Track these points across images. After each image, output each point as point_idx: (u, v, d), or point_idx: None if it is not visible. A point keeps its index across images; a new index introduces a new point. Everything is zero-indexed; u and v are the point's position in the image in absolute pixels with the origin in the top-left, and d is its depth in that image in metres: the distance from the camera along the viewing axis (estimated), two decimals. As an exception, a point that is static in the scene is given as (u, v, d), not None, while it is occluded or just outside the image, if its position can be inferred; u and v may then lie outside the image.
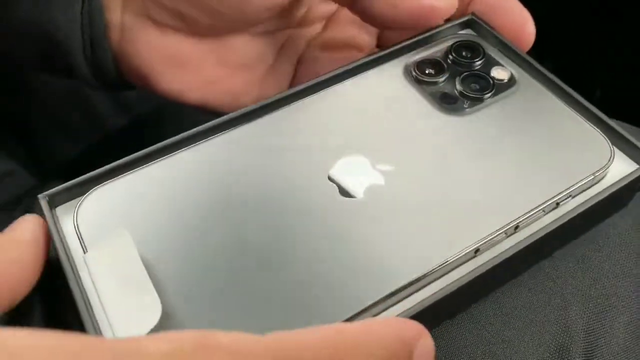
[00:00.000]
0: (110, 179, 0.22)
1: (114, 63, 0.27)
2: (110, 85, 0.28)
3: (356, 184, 0.22)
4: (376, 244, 0.21)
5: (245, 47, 0.27)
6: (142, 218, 0.21)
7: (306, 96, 0.25)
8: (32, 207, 0.26)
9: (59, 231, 0.20)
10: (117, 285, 0.19)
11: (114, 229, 0.20)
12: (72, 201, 0.22)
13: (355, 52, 0.29)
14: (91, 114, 0.40)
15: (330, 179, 0.22)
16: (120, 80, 0.28)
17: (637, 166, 0.23)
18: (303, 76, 0.29)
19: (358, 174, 0.23)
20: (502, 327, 0.24)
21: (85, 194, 0.22)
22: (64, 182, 0.30)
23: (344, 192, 0.22)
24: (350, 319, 0.19)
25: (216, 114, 0.29)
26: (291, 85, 0.29)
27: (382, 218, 0.21)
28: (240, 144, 0.24)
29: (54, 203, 0.22)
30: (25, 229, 0.20)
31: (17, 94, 0.38)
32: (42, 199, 0.21)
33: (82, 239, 0.21)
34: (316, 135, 0.24)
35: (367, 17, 0.25)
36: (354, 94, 0.25)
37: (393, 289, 0.20)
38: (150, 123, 0.42)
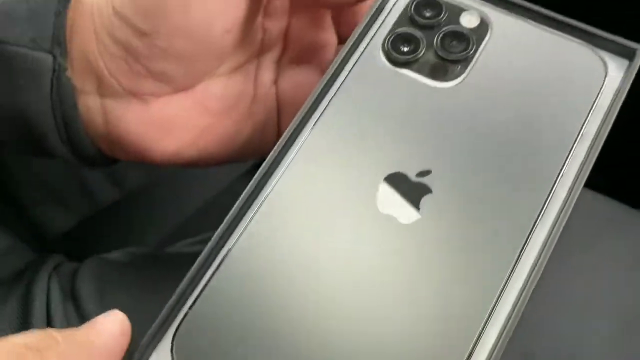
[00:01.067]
0: (181, 309, 0.21)
1: (92, 142, 0.27)
2: (92, 163, 0.29)
3: (409, 204, 0.22)
4: (454, 246, 0.21)
5: (223, 89, 0.28)
6: (237, 330, 0.20)
7: (304, 136, 0.23)
8: (33, 281, 0.28)
9: None
10: None
11: (229, 356, 0.19)
12: (160, 347, 0.20)
13: (324, 52, 0.29)
14: (86, 188, 0.41)
15: (382, 212, 0.22)
16: (103, 157, 0.28)
17: (628, 61, 0.23)
18: (287, 96, 0.29)
19: (404, 193, 0.22)
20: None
21: (165, 334, 0.21)
22: (62, 255, 0.32)
23: (403, 218, 0.21)
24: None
25: (215, 164, 0.30)
26: (279, 107, 0.29)
27: (455, 224, 0.21)
28: (278, 212, 0.22)
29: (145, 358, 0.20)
30: (107, 335, 0.20)
31: (15, 170, 0.39)
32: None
33: None
34: (343, 174, 0.22)
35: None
36: (348, 110, 0.24)
37: (518, 250, 0.20)
38: (142, 196, 0.44)
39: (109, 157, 0.29)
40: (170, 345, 0.20)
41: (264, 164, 0.23)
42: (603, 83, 0.23)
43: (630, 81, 0.23)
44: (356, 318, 0.20)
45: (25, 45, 0.25)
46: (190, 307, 0.21)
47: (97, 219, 0.42)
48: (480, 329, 0.20)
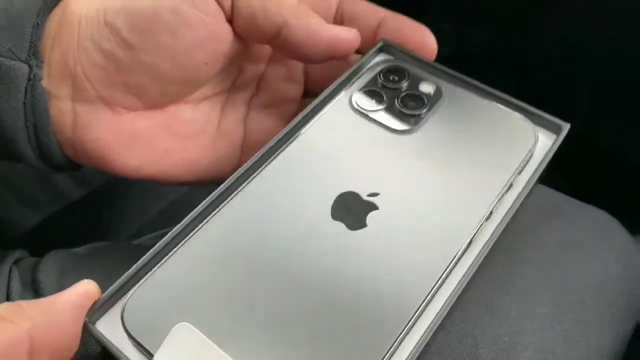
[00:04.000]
0: (136, 282, 0.23)
1: (60, 148, 0.28)
2: (57, 168, 0.30)
3: (358, 217, 0.25)
4: (398, 259, 0.24)
5: (192, 115, 0.30)
6: (183, 304, 0.22)
7: (277, 153, 0.27)
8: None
9: (113, 346, 0.21)
10: None
11: (174, 325, 0.21)
12: (111, 310, 0.23)
13: (290, 105, 0.32)
14: (52, 186, 0.42)
15: (334, 218, 0.25)
16: (69, 162, 0.29)
17: (555, 135, 0.28)
18: (254, 133, 0.31)
19: (355, 207, 0.25)
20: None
21: (117, 301, 0.23)
22: (26, 251, 0.32)
23: (351, 227, 0.25)
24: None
25: (173, 185, 0.31)
26: (243, 145, 0.31)
27: (392, 238, 0.25)
28: (242, 211, 0.25)
29: (93, 320, 0.22)
30: (71, 293, 0.21)
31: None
32: (88, 324, 0.22)
33: (141, 345, 0.21)
34: (304, 185, 0.26)
35: (288, 49, 0.28)
36: (317, 140, 0.28)
37: (434, 282, 0.23)
38: (107, 195, 0.45)
39: (73, 163, 0.30)
40: (121, 310, 0.22)
41: (239, 171, 0.26)
42: (533, 149, 0.27)
43: (555, 149, 0.28)
44: (295, 298, 0.23)
45: (2, 55, 0.26)
46: (143, 281, 0.23)
47: (62, 217, 0.43)
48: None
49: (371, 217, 0.25)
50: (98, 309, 0.22)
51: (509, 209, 0.26)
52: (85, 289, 0.22)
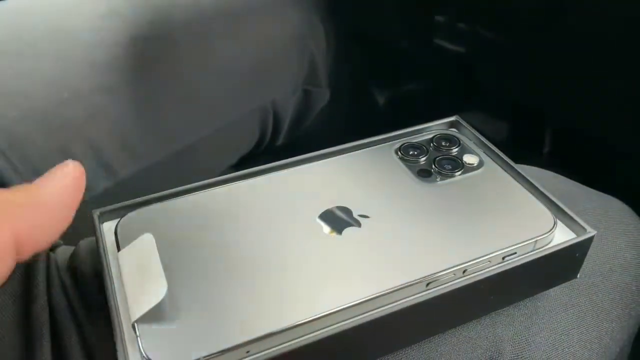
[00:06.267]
0: (144, 206, 0.29)
1: None
2: None
3: (339, 225, 0.28)
4: (345, 268, 0.26)
5: None
6: (165, 234, 0.27)
7: (314, 161, 0.32)
8: (34, 258, 0.30)
9: (103, 237, 0.28)
10: (138, 273, 0.25)
11: (142, 234, 0.27)
12: (115, 220, 0.29)
13: None
14: (105, 163, 0.44)
15: (319, 219, 0.28)
16: None
17: (575, 235, 0.28)
18: None
19: (342, 217, 0.28)
20: (439, 343, 0.28)
21: (125, 215, 0.29)
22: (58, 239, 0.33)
23: (330, 229, 0.28)
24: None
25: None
26: None
27: (353, 251, 0.27)
28: (253, 190, 0.30)
29: (102, 219, 0.29)
30: (66, 174, 0.22)
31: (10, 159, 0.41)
32: (94, 214, 0.28)
33: (119, 243, 0.27)
34: (316, 190, 0.30)
35: None
36: (352, 163, 0.32)
37: (354, 301, 0.24)
38: (133, 185, 0.46)
39: None
40: (119, 220, 0.28)
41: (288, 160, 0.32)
42: (546, 237, 0.27)
43: (568, 247, 0.27)
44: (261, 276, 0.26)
45: None
46: (143, 208, 0.29)
47: (88, 206, 0.44)
48: None
49: (349, 230, 0.28)
50: (107, 212, 0.29)
51: (485, 274, 0.26)
52: (72, 177, 0.22)
